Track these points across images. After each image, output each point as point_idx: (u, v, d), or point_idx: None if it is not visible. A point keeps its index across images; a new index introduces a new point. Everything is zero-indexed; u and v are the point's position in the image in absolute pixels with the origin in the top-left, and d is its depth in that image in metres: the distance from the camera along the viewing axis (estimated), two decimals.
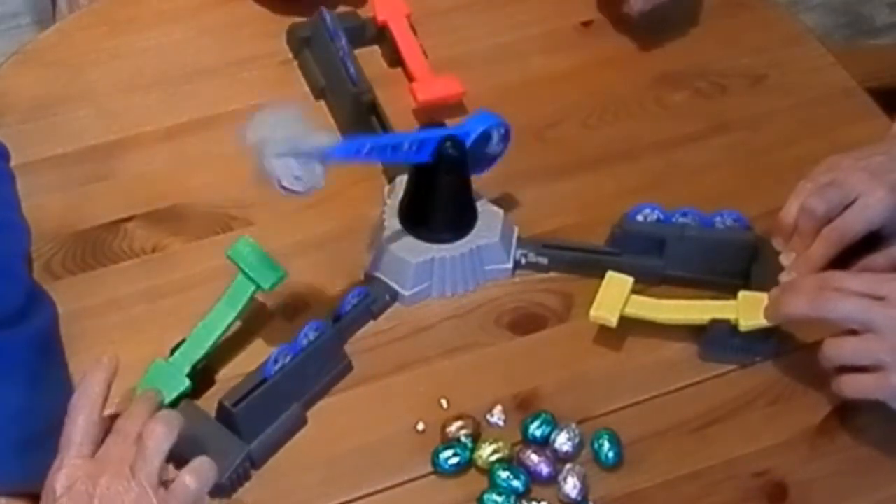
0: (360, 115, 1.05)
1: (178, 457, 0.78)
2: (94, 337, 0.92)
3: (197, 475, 0.77)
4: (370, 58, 1.12)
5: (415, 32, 1.12)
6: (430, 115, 1.05)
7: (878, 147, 0.94)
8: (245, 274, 0.89)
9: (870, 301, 0.82)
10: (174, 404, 0.86)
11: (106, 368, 0.80)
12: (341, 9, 1.15)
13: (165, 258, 0.98)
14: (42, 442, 0.79)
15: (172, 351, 0.89)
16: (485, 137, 0.94)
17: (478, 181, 0.97)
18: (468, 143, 0.93)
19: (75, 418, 0.77)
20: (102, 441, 0.77)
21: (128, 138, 1.06)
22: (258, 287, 0.89)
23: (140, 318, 0.94)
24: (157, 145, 1.06)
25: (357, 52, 1.10)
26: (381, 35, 1.13)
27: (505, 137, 0.96)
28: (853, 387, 0.84)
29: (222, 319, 0.89)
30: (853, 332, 0.83)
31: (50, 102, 1.09)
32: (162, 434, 0.76)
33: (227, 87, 1.10)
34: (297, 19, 1.14)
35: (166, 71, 1.12)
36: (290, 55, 1.13)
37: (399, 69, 1.12)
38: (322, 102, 1.10)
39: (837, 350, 0.84)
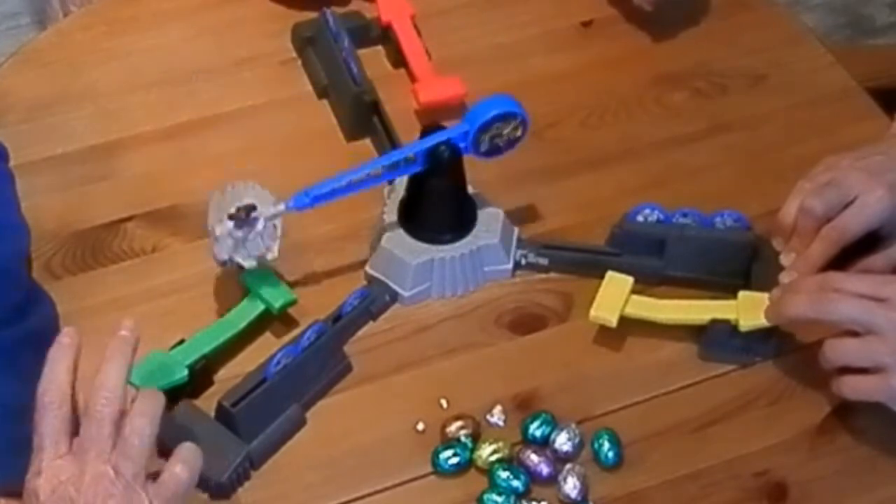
0: (361, 114, 1.06)
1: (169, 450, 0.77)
2: (93, 337, 0.91)
3: (187, 464, 0.76)
4: (374, 58, 1.12)
5: (418, 33, 1.12)
6: (433, 117, 1.05)
7: (877, 147, 0.94)
8: (257, 295, 0.91)
9: (871, 303, 0.82)
10: (171, 396, 0.84)
11: (68, 350, 0.77)
12: (347, 7, 1.15)
13: (165, 258, 0.98)
14: None
15: (170, 350, 0.89)
16: (502, 120, 0.92)
17: (478, 182, 0.97)
18: (474, 127, 0.92)
19: (45, 416, 0.75)
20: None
21: (128, 138, 1.06)
22: (268, 307, 0.91)
23: (140, 318, 0.93)
24: (157, 145, 1.06)
25: (361, 52, 1.10)
26: (385, 35, 1.13)
27: (522, 126, 0.93)
28: (853, 388, 0.84)
29: (226, 331, 0.90)
30: (854, 334, 0.83)
31: (50, 102, 1.09)
32: (145, 429, 0.74)
33: (227, 87, 1.11)
34: (298, 19, 1.14)
35: (166, 71, 1.12)
36: (291, 55, 1.13)
37: (402, 70, 1.12)
38: (325, 102, 1.10)
39: (838, 351, 0.84)
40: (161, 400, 0.77)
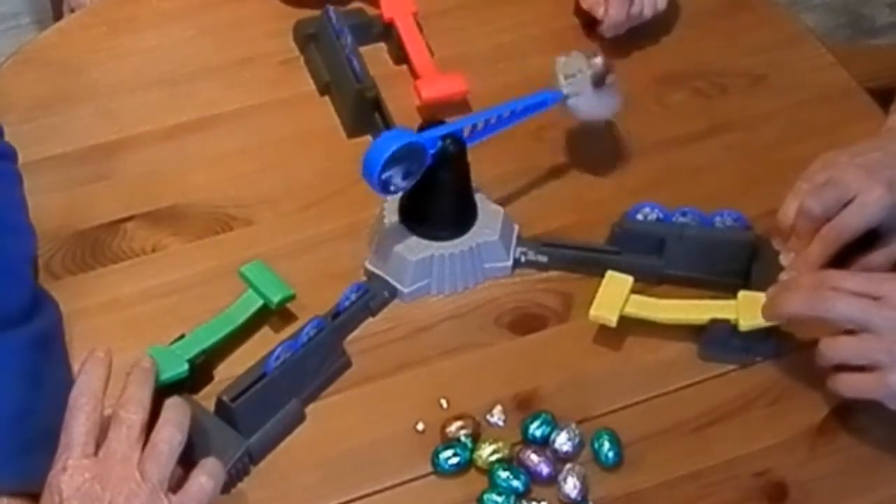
0: (363, 111, 1.06)
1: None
2: (93, 337, 0.91)
3: (212, 477, 0.77)
4: (376, 55, 1.12)
5: (420, 30, 1.12)
6: (434, 113, 1.05)
7: (874, 143, 0.94)
8: (256, 290, 0.92)
9: (867, 301, 0.82)
10: (170, 388, 0.85)
11: (103, 363, 0.80)
12: (349, 5, 1.15)
13: (165, 258, 0.98)
14: (43, 442, 0.78)
15: (170, 345, 0.89)
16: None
17: (478, 180, 0.97)
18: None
19: (77, 416, 0.77)
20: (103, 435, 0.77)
21: (128, 138, 1.06)
22: (266, 302, 0.91)
23: (140, 318, 0.94)
24: (157, 145, 1.06)
25: (363, 49, 1.10)
26: (387, 32, 1.14)
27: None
28: (849, 386, 0.84)
29: (224, 326, 0.90)
30: (850, 331, 0.83)
31: (50, 102, 1.09)
32: (174, 437, 0.77)
33: (227, 87, 1.11)
34: (298, 19, 1.14)
35: (166, 71, 1.12)
36: (290, 55, 1.13)
37: (404, 67, 1.12)
38: (325, 101, 1.10)
39: (834, 349, 0.84)
40: (188, 410, 0.79)
